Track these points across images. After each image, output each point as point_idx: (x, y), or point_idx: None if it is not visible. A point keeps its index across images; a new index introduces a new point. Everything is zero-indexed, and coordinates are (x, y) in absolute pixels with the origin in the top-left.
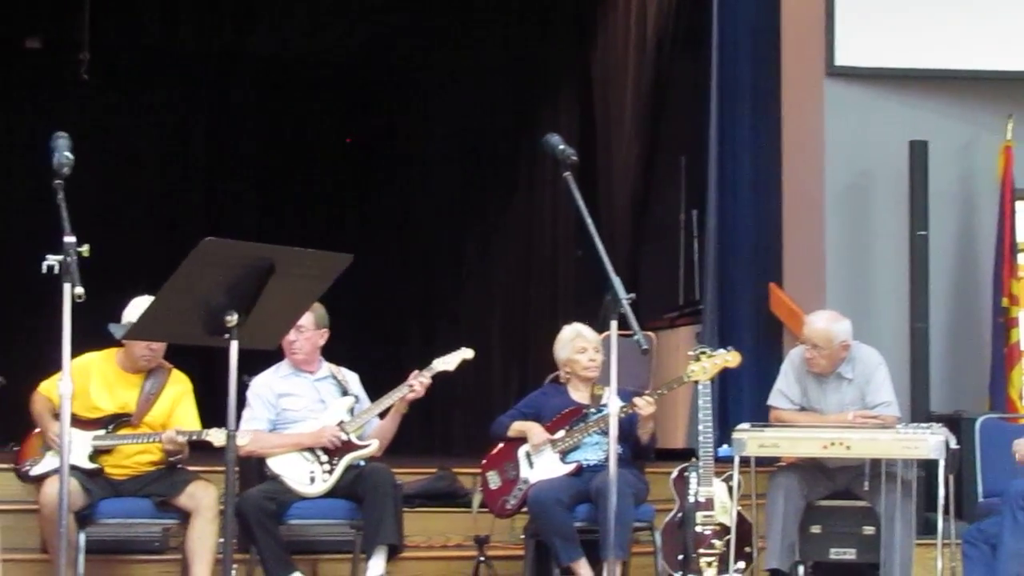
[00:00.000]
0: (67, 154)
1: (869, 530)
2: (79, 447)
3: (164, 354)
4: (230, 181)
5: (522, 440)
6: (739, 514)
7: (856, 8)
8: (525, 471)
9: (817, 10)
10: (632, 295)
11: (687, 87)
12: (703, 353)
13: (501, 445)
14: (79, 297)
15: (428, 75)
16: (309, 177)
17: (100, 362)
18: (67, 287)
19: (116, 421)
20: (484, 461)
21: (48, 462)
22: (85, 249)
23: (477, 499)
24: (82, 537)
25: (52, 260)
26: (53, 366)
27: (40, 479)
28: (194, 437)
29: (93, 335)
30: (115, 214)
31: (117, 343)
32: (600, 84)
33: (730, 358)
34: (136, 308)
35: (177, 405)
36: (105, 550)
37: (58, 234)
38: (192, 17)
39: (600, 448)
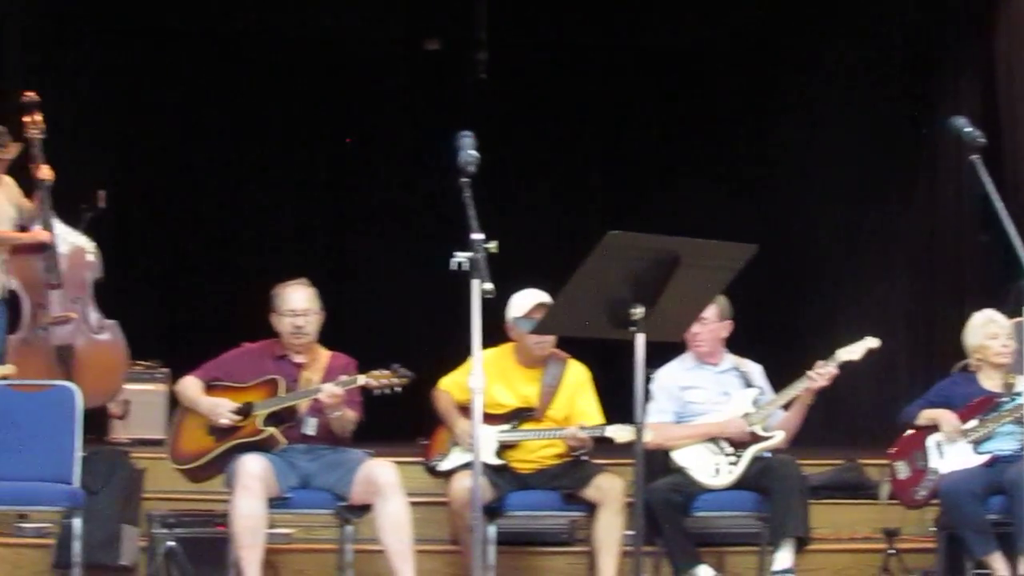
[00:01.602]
0: (472, 152)
1: None
2: (485, 443)
3: (564, 348)
4: (628, 173)
5: (932, 429)
6: None
7: None
8: (935, 461)
9: None
10: None
11: None
12: None
13: (910, 434)
14: (489, 293)
15: (823, 60)
16: (706, 167)
17: (497, 357)
18: (476, 283)
19: (519, 416)
20: (892, 451)
21: (455, 457)
22: (493, 245)
23: (885, 490)
24: (491, 530)
25: (460, 257)
26: (456, 362)
27: (448, 474)
28: (597, 434)
29: (492, 331)
30: (517, 210)
31: (508, 338)
32: (1004, 63)
33: None
34: (519, 302)
35: (578, 396)
36: (514, 542)
37: (464, 231)
38: (586, 13)
39: (1014, 438)
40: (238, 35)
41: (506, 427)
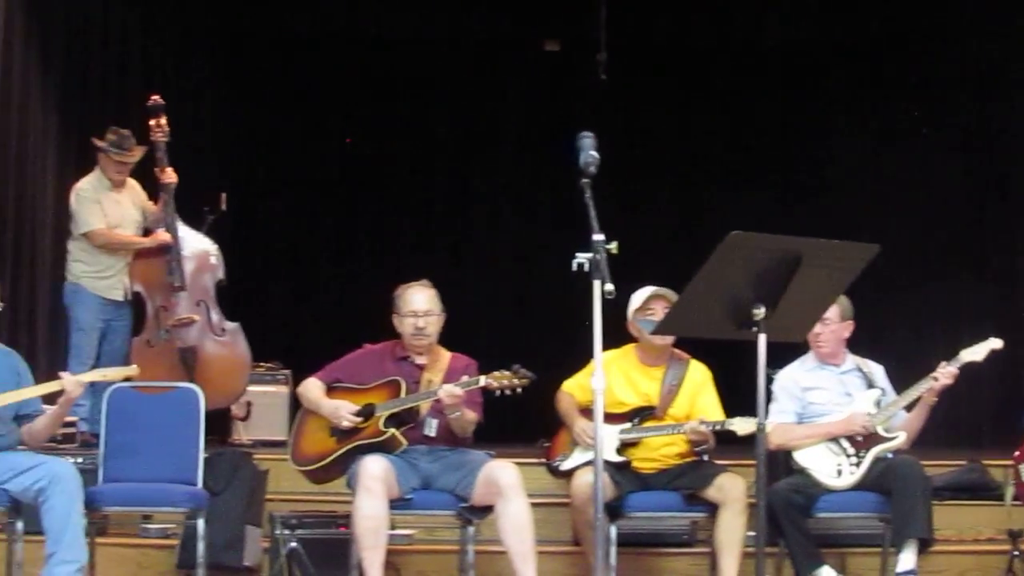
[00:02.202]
0: (593, 153)
1: None
2: (607, 441)
3: (687, 348)
4: (750, 175)
5: None
6: None
7: None
8: None
9: None
10: None
11: None
12: None
13: None
14: (610, 294)
15: (945, 52)
16: (826, 165)
17: (620, 357)
18: (597, 284)
19: (641, 414)
20: (1017, 453)
21: (577, 456)
22: (614, 246)
23: (1010, 492)
24: (613, 530)
25: (582, 258)
26: (578, 363)
27: (570, 473)
28: (718, 427)
29: (615, 331)
30: (636, 211)
31: (633, 339)
32: None
33: None
34: (637, 297)
35: (699, 396)
36: (635, 543)
37: (585, 232)
38: (705, 12)
39: None
40: (358, 38)
41: (627, 425)
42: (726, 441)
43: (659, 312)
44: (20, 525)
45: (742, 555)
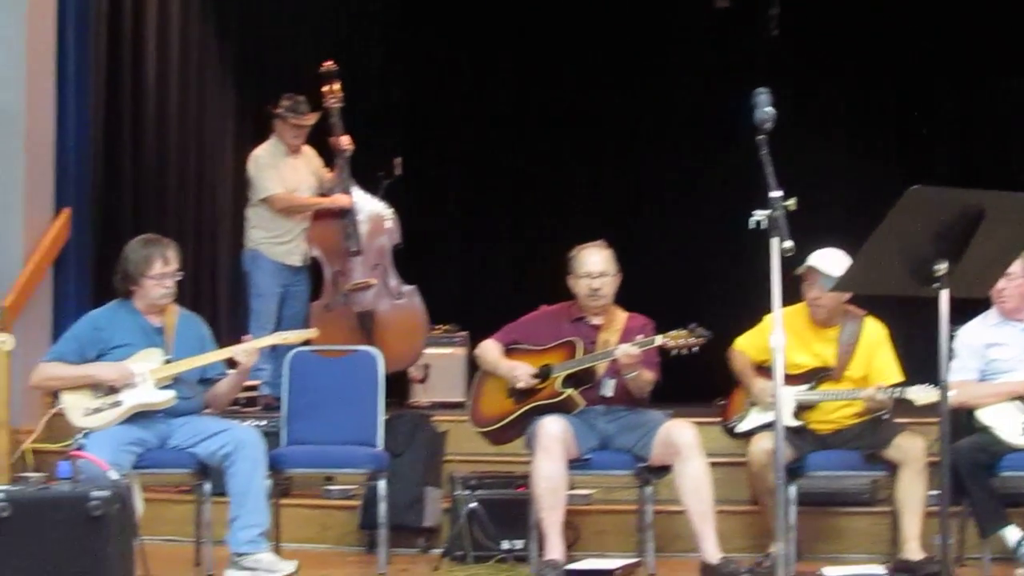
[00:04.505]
0: (768, 109)
1: None
2: (784, 404)
3: (863, 304)
4: (929, 127)
5: None
6: None
7: None
8: None
9: None
10: None
11: None
12: None
13: None
14: (788, 251)
15: None
16: (1010, 116)
17: (792, 317)
18: (775, 241)
19: (817, 376)
20: None
21: (753, 418)
22: (792, 203)
23: None
24: (792, 490)
25: (760, 215)
26: (753, 320)
27: (746, 436)
28: (895, 394)
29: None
30: (814, 166)
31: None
32: None
33: None
34: (818, 260)
35: (875, 355)
36: (815, 502)
37: (756, 189)
38: None
39: None
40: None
41: (804, 388)
42: (906, 400)
43: (815, 286)
44: (208, 487)
45: (924, 514)
